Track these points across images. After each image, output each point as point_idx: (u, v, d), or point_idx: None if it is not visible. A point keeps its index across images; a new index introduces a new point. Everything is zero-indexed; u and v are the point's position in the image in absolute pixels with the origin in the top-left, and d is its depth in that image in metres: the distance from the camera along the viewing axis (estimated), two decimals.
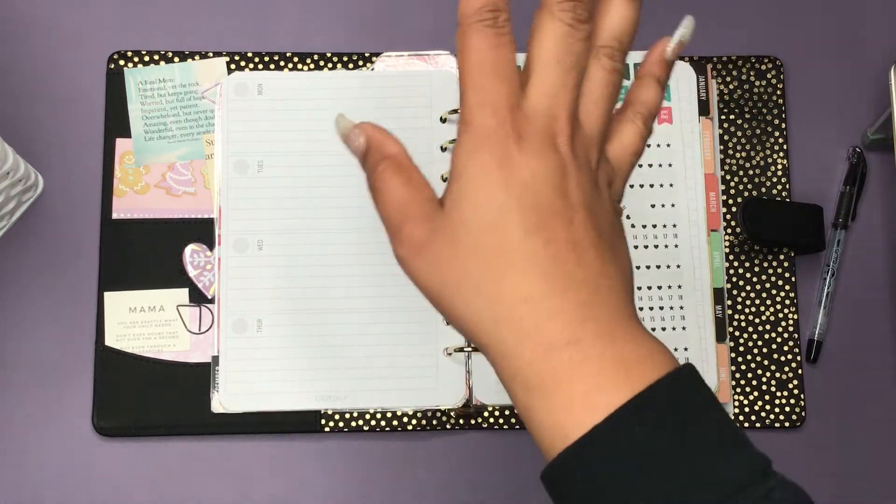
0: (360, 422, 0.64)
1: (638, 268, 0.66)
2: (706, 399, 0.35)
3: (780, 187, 0.69)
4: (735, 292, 0.67)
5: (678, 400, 0.35)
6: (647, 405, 0.34)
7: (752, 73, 0.70)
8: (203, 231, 0.67)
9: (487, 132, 0.37)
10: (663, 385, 0.34)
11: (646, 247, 0.67)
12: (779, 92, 0.70)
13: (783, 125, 0.70)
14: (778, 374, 0.66)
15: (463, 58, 0.38)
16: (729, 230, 0.68)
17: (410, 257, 0.38)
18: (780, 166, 0.69)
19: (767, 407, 0.66)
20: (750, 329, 0.67)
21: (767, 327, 0.67)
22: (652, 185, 0.67)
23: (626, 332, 0.36)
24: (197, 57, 0.69)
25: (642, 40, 0.71)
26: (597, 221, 0.38)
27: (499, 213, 0.36)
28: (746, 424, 0.65)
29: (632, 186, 0.67)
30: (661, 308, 0.66)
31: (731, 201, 0.68)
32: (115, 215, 0.67)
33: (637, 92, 0.42)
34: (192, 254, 0.66)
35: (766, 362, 0.66)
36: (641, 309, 0.66)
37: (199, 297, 0.66)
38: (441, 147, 0.67)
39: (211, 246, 0.66)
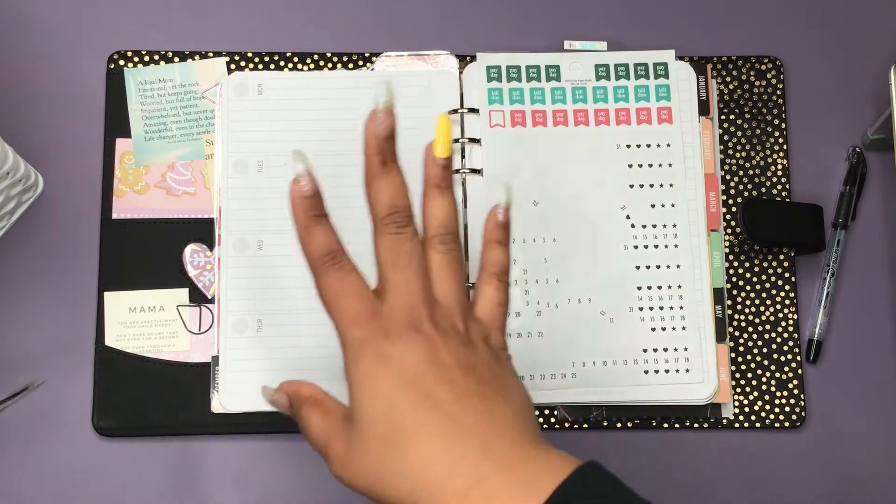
0: None
1: (638, 268, 0.66)
2: (609, 484, 0.40)
3: (780, 187, 0.69)
4: (735, 292, 0.67)
5: (580, 493, 0.39)
6: None
7: (752, 73, 0.70)
8: (203, 231, 0.67)
9: (359, 343, 0.44)
10: (564, 487, 0.39)
11: (646, 247, 0.67)
12: (779, 92, 0.70)
13: (783, 125, 0.70)
14: (778, 374, 0.66)
15: (321, 294, 0.46)
16: (729, 230, 0.68)
17: (341, 471, 0.45)
18: (780, 166, 0.69)
19: (767, 407, 0.66)
20: (750, 329, 0.67)
21: (767, 327, 0.67)
22: (652, 185, 0.67)
23: (525, 456, 0.41)
24: (197, 57, 0.69)
25: (650, 41, 0.71)
26: (476, 373, 0.43)
27: (389, 403, 0.42)
28: (746, 425, 0.65)
29: (631, 186, 0.67)
30: (661, 308, 0.66)
31: (731, 201, 0.68)
32: (115, 215, 0.67)
33: (486, 256, 0.49)
34: (192, 254, 0.66)
35: (766, 362, 0.66)
36: (641, 309, 0.66)
37: (199, 297, 0.66)
38: None
39: (211, 246, 0.66)
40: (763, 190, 0.69)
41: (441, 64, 0.69)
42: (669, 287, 0.66)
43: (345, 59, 0.69)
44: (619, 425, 0.65)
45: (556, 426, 0.65)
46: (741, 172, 0.69)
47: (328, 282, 0.45)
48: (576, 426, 0.65)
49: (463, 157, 0.67)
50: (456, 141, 0.67)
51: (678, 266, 0.67)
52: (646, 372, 0.65)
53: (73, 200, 0.67)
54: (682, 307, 0.66)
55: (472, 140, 0.67)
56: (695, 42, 0.71)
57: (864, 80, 0.71)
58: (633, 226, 0.67)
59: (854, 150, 0.69)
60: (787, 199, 0.69)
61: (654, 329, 0.66)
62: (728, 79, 0.70)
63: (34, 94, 0.68)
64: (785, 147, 0.69)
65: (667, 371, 0.65)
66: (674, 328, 0.66)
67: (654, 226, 0.67)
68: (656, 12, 0.72)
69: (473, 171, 0.67)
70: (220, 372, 0.64)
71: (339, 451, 0.44)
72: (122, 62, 0.69)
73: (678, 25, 0.72)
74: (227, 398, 0.64)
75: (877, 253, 0.69)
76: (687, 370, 0.65)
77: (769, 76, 0.70)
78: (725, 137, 0.69)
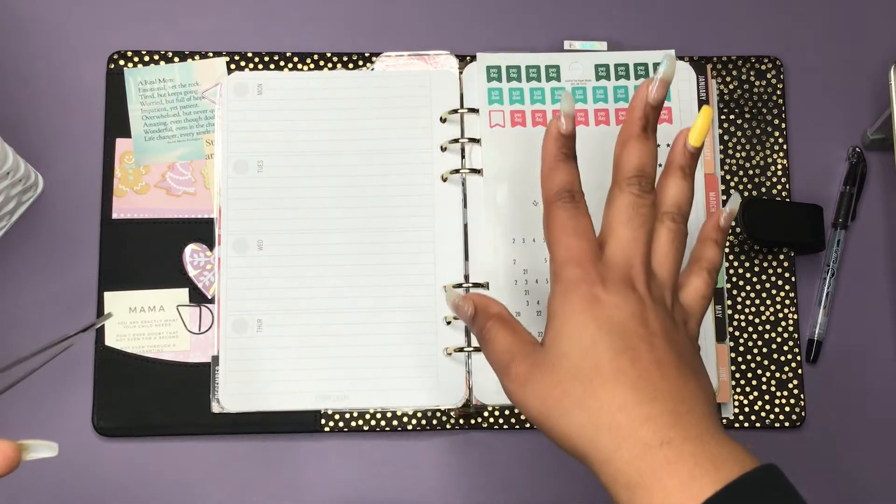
0: (360, 422, 0.64)
1: None
2: (792, 491, 0.40)
3: (780, 187, 0.69)
4: (735, 292, 0.67)
5: (767, 489, 0.39)
6: (738, 493, 0.39)
7: (752, 73, 0.70)
8: (203, 231, 0.67)
9: (575, 281, 0.45)
10: (752, 476, 0.39)
11: None
12: (779, 92, 0.70)
13: (783, 125, 0.70)
14: (778, 374, 0.66)
15: (549, 226, 0.47)
16: (729, 230, 0.68)
17: (517, 389, 0.45)
18: (780, 166, 0.69)
19: (767, 407, 0.66)
20: (750, 329, 0.67)
21: (767, 327, 0.67)
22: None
23: (713, 436, 0.42)
24: (197, 57, 0.69)
25: (650, 41, 0.71)
26: (676, 347, 0.44)
27: (591, 341, 0.43)
28: (746, 424, 0.65)
29: None
30: None
31: None
32: (115, 215, 0.67)
33: (701, 251, 0.51)
34: (192, 254, 0.66)
35: (766, 362, 0.66)
36: None
37: (199, 297, 0.66)
38: (441, 147, 0.67)
39: (211, 246, 0.66)
40: (763, 190, 0.69)
41: (441, 64, 0.69)
42: None
43: (345, 59, 0.69)
44: None
45: None
46: (741, 172, 0.69)
47: (561, 216, 0.47)
48: None
49: (463, 157, 0.67)
50: (455, 141, 0.67)
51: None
52: None
53: (73, 200, 0.67)
54: None
55: (472, 140, 0.67)
56: (695, 42, 0.71)
57: (864, 80, 0.71)
58: None
59: (854, 150, 0.69)
60: (787, 199, 0.69)
61: None
62: (728, 79, 0.70)
63: (34, 94, 0.69)
64: (785, 147, 0.69)
65: None
66: None
67: None
68: (656, 12, 0.72)
69: (473, 171, 0.67)
70: (220, 372, 0.64)
71: (521, 373, 0.45)
72: (122, 62, 0.69)
73: (678, 25, 0.72)
74: (227, 398, 0.64)
75: (877, 253, 0.69)
76: None
77: (769, 76, 0.70)
78: (725, 137, 0.69)
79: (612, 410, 0.42)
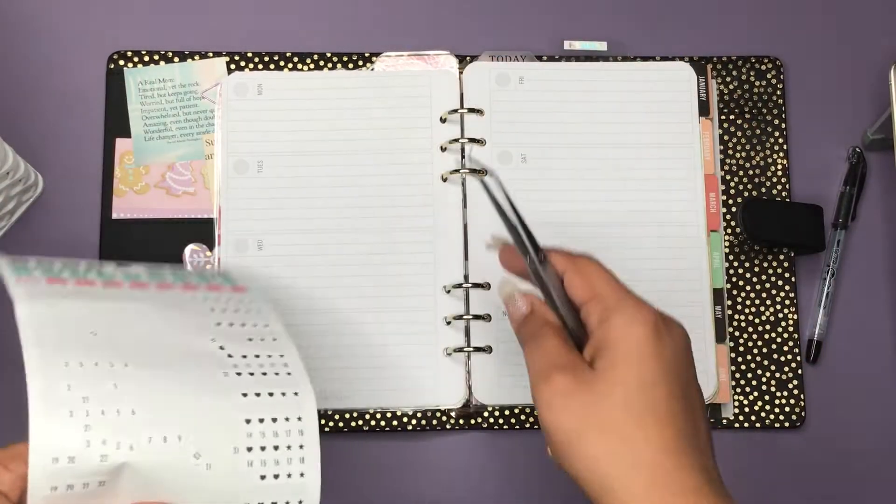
0: (360, 422, 0.64)
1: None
2: None
3: (780, 187, 0.69)
4: (735, 292, 0.67)
5: None
6: None
7: (752, 73, 0.70)
8: (203, 231, 0.67)
9: (644, 312, 0.45)
10: None
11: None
12: (779, 92, 0.70)
13: (783, 125, 0.70)
14: (778, 375, 0.66)
15: (586, 273, 0.48)
16: (729, 230, 0.68)
17: (553, 399, 0.44)
18: (780, 166, 0.69)
19: (767, 407, 0.66)
20: (750, 329, 0.67)
21: (767, 327, 0.67)
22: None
23: (726, 497, 0.43)
24: (197, 57, 0.69)
25: (650, 41, 0.71)
26: (699, 392, 0.46)
27: (653, 379, 0.44)
28: (746, 425, 0.65)
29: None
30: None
31: (731, 201, 0.68)
32: (115, 215, 0.67)
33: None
34: (192, 254, 0.66)
35: (766, 362, 0.66)
36: None
37: None
38: (441, 147, 0.67)
39: (211, 246, 0.66)
40: (763, 190, 0.69)
41: (441, 64, 0.69)
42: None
43: (345, 59, 0.69)
44: None
45: None
46: (741, 172, 0.69)
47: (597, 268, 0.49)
48: None
49: (463, 157, 0.67)
50: (455, 141, 0.67)
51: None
52: None
53: (73, 200, 0.67)
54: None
55: (473, 140, 0.67)
56: (695, 42, 0.71)
57: (864, 80, 0.71)
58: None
59: (854, 150, 0.69)
60: (787, 199, 0.69)
61: None
62: (728, 79, 0.70)
63: (34, 94, 0.68)
64: (785, 147, 0.69)
65: None
66: None
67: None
68: (656, 12, 0.72)
69: (473, 171, 0.67)
70: None
71: (565, 384, 0.44)
72: (122, 62, 0.69)
73: (678, 26, 0.72)
74: None
75: (877, 253, 0.69)
76: None
77: (769, 76, 0.70)
78: (725, 137, 0.69)
79: (657, 451, 0.42)
